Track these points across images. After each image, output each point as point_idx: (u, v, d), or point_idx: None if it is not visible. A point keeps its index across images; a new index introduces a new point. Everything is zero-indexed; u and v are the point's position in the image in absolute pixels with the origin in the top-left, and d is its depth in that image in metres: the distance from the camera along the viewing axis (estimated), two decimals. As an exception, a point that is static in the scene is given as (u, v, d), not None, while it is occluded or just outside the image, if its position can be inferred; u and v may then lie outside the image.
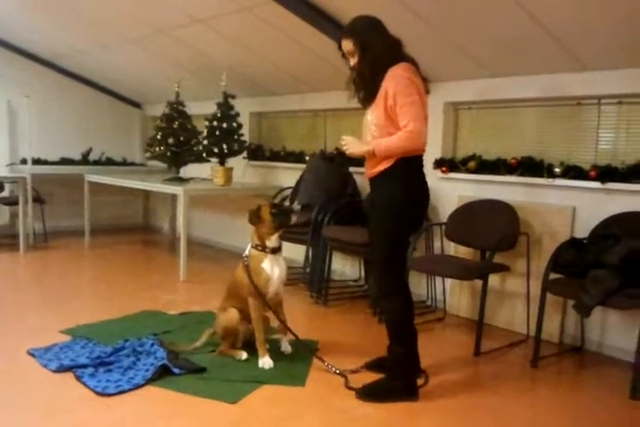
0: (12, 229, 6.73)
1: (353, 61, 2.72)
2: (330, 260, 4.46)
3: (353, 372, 2.96)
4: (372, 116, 2.71)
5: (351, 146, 2.75)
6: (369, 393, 2.70)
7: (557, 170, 3.64)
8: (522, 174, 3.81)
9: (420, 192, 2.76)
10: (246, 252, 3.12)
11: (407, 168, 2.67)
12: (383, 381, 2.78)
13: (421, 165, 2.75)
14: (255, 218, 3.05)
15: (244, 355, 3.11)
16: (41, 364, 2.95)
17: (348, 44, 2.69)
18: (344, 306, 4.32)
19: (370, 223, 2.87)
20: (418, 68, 2.69)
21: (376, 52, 2.63)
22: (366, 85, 2.71)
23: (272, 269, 3.05)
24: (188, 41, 4.98)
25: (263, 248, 3.08)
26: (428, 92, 2.73)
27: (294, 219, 3.17)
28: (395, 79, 2.59)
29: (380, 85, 2.63)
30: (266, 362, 3.02)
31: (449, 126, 4.33)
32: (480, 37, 3.49)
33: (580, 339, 3.55)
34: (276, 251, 3.10)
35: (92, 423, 2.40)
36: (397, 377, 2.73)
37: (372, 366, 3.01)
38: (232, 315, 3.12)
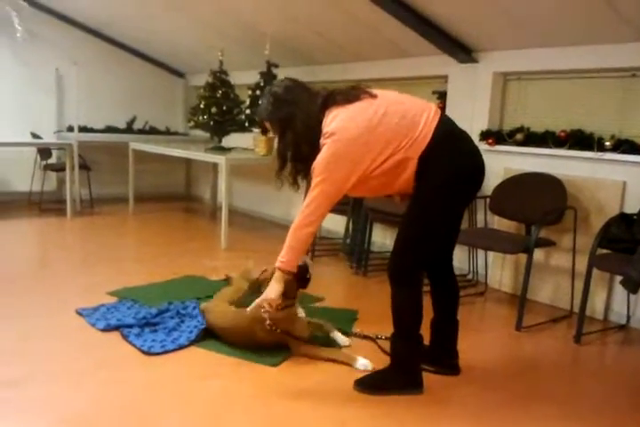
0: (59, 194, 6.92)
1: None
2: (370, 231, 4.46)
3: (387, 338, 2.94)
4: None
5: (268, 301, 2.45)
6: (368, 385, 2.48)
7: (608, 143, 3.52)
8: (571, 147, 3.71)
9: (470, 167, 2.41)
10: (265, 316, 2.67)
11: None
12: (385, 372, 2.52)
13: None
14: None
15: None
16: (89, 323, 3.05)
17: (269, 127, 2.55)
18: (383, 276, 4.30)
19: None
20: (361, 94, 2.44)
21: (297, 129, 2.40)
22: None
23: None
24: (232, 9, 4.94)
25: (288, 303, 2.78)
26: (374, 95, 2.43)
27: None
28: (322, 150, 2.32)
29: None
30: (361, 363, 2.68)
31: (496, 97, 4.22)
32: (532, 5, 3.37)
33: (626, 316, 3.49)
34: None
35: (138, 380, 2.48)
36: (399, 370, 2.49)
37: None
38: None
